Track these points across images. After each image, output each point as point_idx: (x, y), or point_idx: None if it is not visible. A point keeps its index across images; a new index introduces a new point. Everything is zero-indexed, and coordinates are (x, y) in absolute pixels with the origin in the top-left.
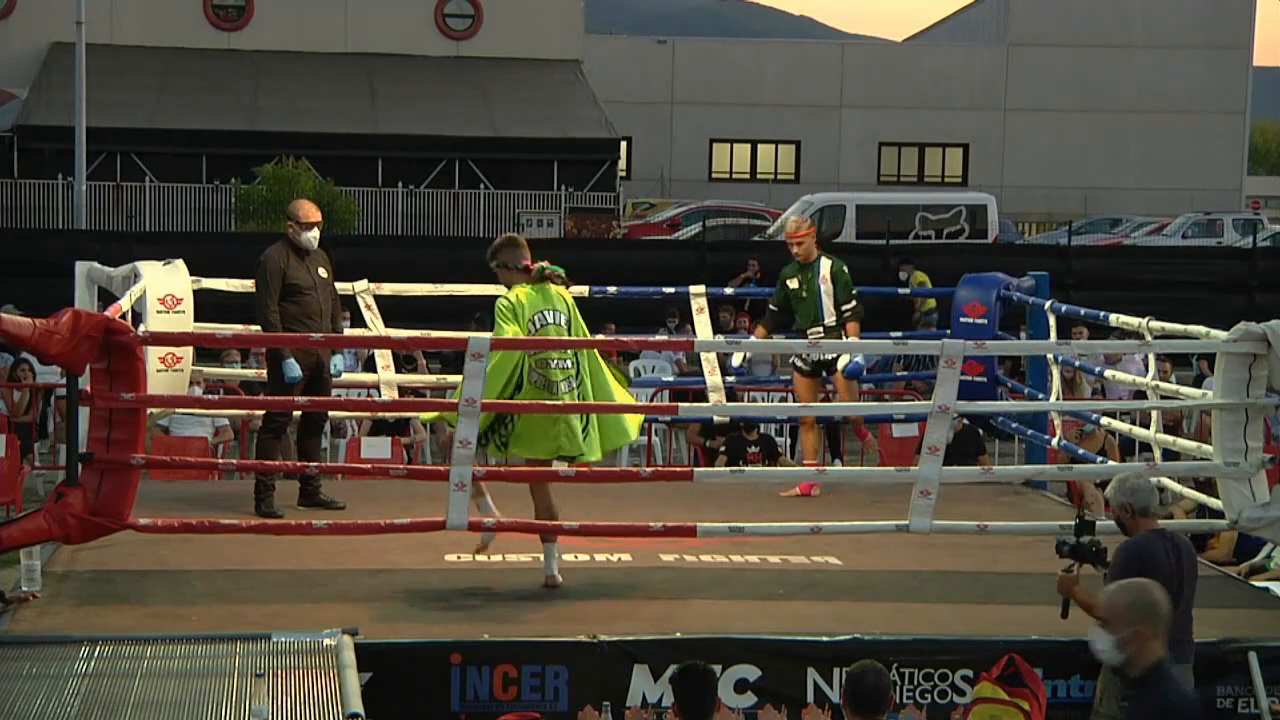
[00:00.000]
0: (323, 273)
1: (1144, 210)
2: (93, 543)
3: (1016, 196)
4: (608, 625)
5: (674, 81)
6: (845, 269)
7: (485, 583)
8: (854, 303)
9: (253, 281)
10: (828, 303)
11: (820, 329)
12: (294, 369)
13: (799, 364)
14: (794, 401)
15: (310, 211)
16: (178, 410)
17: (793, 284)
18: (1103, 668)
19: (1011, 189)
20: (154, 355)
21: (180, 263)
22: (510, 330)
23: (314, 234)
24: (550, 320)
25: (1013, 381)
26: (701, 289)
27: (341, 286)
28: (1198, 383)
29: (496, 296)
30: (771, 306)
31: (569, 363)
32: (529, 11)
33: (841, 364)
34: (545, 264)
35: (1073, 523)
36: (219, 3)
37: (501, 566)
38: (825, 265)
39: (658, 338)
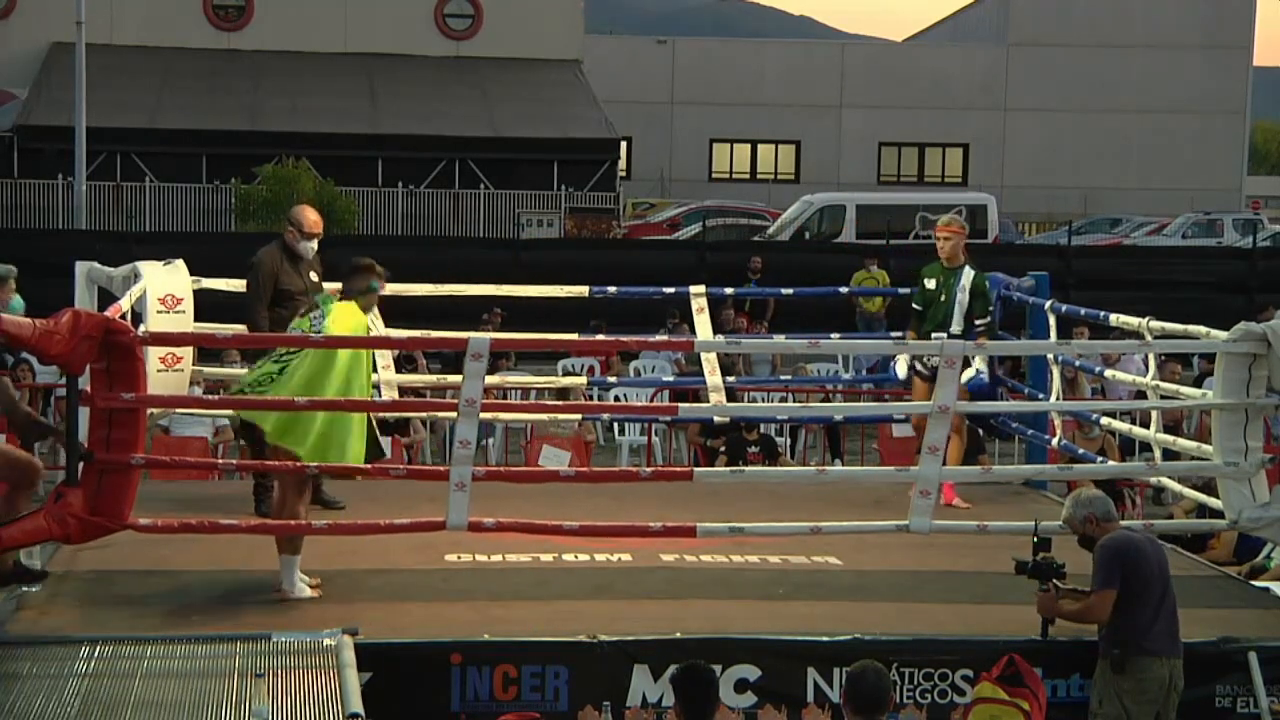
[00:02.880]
0: (314, 277)
1: (1144, 210)
2: (93, 543)
3: (1016, 196)
4: (608, 625)
5: (674, 81)
6: (986, 283)
7: (485, 583)
8: (989, 319)
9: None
10: (959, 312)
11: (944, 335)
12: None
13: (920, 368)
14: (793, 402)
15: (314, 223)
16: (178, 410)
17: (930, 283)
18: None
19: (1011, 189)
20: (154, 355)
21: (180, 263)
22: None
23: (312, 244)
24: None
25: (1013, 381)
26: (701, 289)
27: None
28: (1198, 383)
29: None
30: (916, 306)
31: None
32: (529, 11)
33: (966, 376)
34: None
35: (1032, 539)
36: (219, 3)
37: (502, 566)
38: (968, 275)
39: (658, 338)
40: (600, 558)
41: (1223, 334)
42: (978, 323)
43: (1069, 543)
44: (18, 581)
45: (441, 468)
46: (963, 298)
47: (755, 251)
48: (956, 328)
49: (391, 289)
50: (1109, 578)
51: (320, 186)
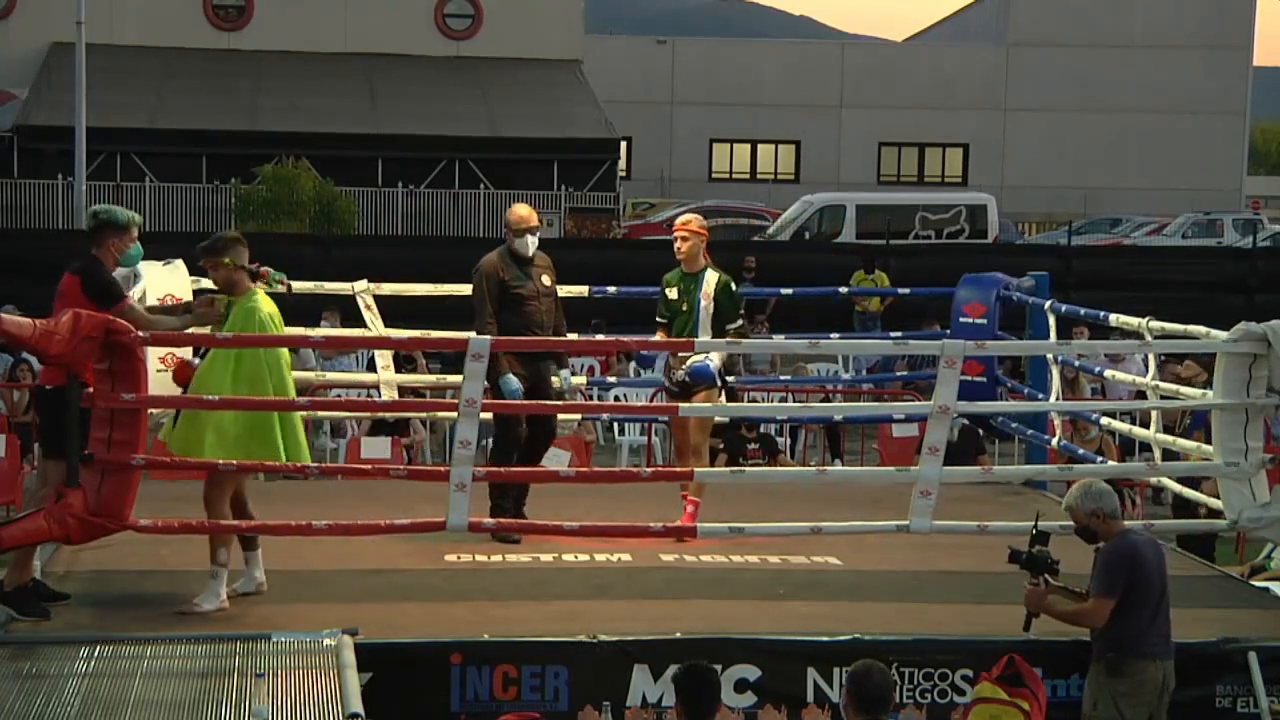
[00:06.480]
0: (546, 280)
1: (1144, 210)
2: (93, 543)
3: (1016, 196)
4: (608, 625)
5: (674, 81)
6: (734, 285)
7: (485, 583)
8: (740, 322)
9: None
10: (705, 319)
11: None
12: (512, 383)
13: (668, 384)
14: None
15: (521, 218)
16: None
17: (672, 293)
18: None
19: (1011, 189)
20: (154, 355)
21: (180, 263)
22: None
23: (529, 239)
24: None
25: (1013, 381)
26: None
27: (341, 286)
28: None
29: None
30: (660, 320)
31: None
32: (529, 11)
33: (694, 360)
34: (269, 270)
35: (1031, 531)
36: (219, 3)
37: (501, 566)
38: (710, 280)
39: (658, 338)
40: (600, 558)
41: (1223, 334)
42: (729, 328)
43: (1068, 540)
44: (37, 597)
45: (441, 468)
46: (706, 304)
47: (756, 252)
48: (704, 337)
49: (391, 289)
50: (1110, 586)
51: (320, 186)
